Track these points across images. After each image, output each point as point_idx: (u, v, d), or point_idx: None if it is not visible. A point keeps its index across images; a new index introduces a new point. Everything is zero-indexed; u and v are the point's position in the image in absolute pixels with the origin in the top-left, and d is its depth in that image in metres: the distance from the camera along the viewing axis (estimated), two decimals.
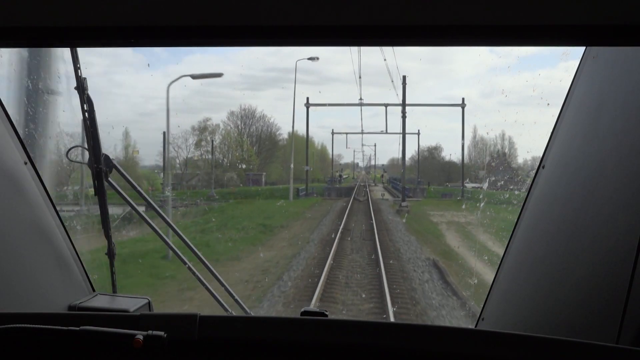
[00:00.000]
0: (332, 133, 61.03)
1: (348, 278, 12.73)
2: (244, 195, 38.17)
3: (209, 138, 53.50)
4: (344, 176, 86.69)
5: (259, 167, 61.34)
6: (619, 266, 1.44)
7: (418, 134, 52.58)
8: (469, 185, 35.63)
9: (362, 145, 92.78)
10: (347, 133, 60.93)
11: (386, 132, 42.79)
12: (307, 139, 49.16)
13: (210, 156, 54.83)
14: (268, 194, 39.45)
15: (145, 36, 1.01)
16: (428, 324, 1.42)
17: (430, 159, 65.61)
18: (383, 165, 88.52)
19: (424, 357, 1.36)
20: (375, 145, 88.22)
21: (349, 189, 49.62)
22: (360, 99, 41.96)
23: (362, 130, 69.38)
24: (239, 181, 51.60)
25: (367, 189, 51.68)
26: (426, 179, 55.13)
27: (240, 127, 63.78)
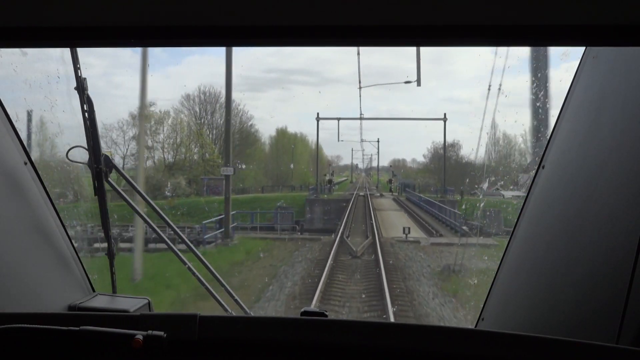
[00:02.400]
0: (317, 118, 41.02)
1: None
2: (184, 211, 25.89)
3: (154, 129, 39.60)
4: (337, 181, 69.23)
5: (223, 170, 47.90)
6: (619, 266, 1.44)
7: (444, 119, 37.07)
8: (508, 194, 22.95)
9: (362, 141, 73.08)
10: (338, 118, 43.93)
11: (418, 85, 24.12)
12: (227, 106, 25.77)
13: (162, 154, 40.62)
14: (215, 210, 23.15)
15: (145, 36, 1.01)
16: (428, 324, 1.42)
17: (446, 158, 48.31)
18: (391, 166, 70.36)
19: (424, 357, 1.36)
20: (378, 141, 70.66)
21: (339, 205, 32.26)
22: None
23: (360, 113, 45.74)
24: (191, 189, 37.08)
25: (371, 205, 34.18)
26: (448, 184, 39.79)
27: (200, 115, 45.88)
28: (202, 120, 47.36)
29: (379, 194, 52.26)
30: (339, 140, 56.64)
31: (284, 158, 57.50)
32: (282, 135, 62.01)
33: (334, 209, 30.77)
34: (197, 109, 47.18)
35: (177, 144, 42.90)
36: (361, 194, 50.52)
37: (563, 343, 1.29)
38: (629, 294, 1.38)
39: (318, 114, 41.80)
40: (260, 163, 52.92)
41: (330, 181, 49.50)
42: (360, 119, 42.91)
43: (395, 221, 25.13)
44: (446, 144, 48.20)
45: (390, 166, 73.69)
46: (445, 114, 38.81)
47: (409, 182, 55.21)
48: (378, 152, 72.57)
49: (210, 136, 47.04)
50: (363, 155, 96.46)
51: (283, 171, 55.77)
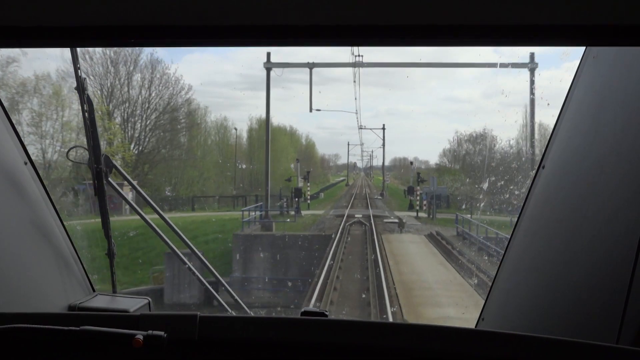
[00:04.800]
0: (267, 67, 24.62)
1: None
2: None
3: (18, 100, 21.36)
4: (332, 182, 51.40)
5: (137, 169, 27.01)
6: (619, 266, 1.44)
7: (531, 65, 20.28)
8: None
9: (360, 128, 51.99)
10: (310, 65, 24.23)
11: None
12: None
13: (40, 143, 22.20)
14: None
15: (145, 36, 1.01)
16: (428, 324, 1.42)
17: (473, 154, 33.60)
18: (412, 163, 45.83)
19: (424, 357, 1.36)
20: (384, 129, 50.07)
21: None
22: None
23: (357, 56, 22.51)
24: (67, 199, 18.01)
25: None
26: (471, 187, 25.65)
27: (102, 82, 26.60)
28: (106, 90, 27.35)
29: (394, 221, 24.83)
30: (311, 111, 26.70)
31: (260, 155, 39.36)
32: (260, 126, 42.89)
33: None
34: (101, 72, 27.05)
35: (60, 127, 24.08)
36: (358, 215, 26.51)
37: (563, 343, 1.29)
38: (629, 294, 1.38)
39: (269, 54, 24.36)
40: (200, 160, 34.96)
41: (298, 192, 26.91)
42: (355, 65, 23.95)
43: None
44: (474, 134, 31.66)
45: (412, 163, 45.55)
46: (532, 55, 20.93)
47: (439, 190, 29.02)
48: (383, 145, 51.55)
49: (122, 115, 28.11)
50: (362, 150, 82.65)
51: (257, 171, 39.30)
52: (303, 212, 26.97)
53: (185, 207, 27.68)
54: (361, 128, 52.60)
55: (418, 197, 29.60)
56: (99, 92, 26.80)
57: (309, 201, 31.68)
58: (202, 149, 36.10)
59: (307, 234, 19.70)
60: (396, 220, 24.99)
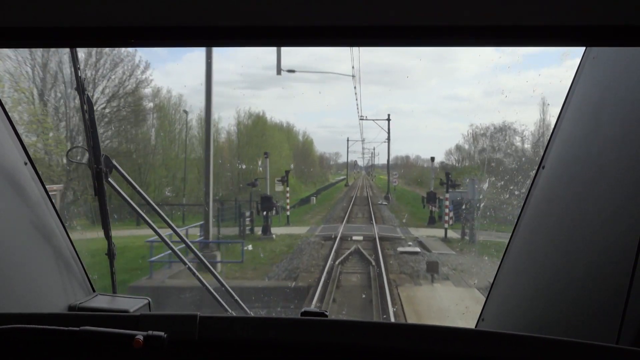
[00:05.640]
0: None
1: None
2: None
3: None
4: (333, 180, 45.31)
5: (79, 169, 17.75)
6: (619, 266, 1.44)
7: None
8: None
9: (361, 119, 44.89)
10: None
11: None
12: None
13: None
14: None
15: (145, 36, 1.01)
16: (428, 324, 1.42)
17: (489, 151, 27.92)
18: (431, 159, 33.18)
19: (424, 357, 1.36)
20: (389, 120, 41.94)
21: None
22: None
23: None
24: None
25: None
26: (493, 193, 15.63)
27: (32, 63, 19.29)
28: (38, 69, 20.93)
29: (414, 250, 15.90)
30: (279, 73, 18.69)
31: (249, 152, 34.43)
32: (252, 120, 37.42)
33: None
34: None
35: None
36: (357, 237, 18.02)
37: (563, 343, 1.29)
38: (629, 294, 1.38)
39: None
40: (155, 152, 28.12)
41: (267, 202, 18.62)
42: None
43: None
44: (495, 126, 24.30)
45: (433, 159, 33.98)
46: None
47: (470, 197, 18.91)
48: (389, 139, 42.17)
49: (58, 101, 21.24)
50: (363, 146, 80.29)
51: (246, 172, 33.19)
52: (278, 231, 18.78)
53: (128, 218, 19.44)
54: (362, 119, 43.46)
55: (446, 209, 19.49)
56: (30, 71, 20.30)
57: (288, 213, 23.11)
58: (165, 145, 29.15)
59: (263, 287, 11.71)
60: (417, 249, 16.04)
